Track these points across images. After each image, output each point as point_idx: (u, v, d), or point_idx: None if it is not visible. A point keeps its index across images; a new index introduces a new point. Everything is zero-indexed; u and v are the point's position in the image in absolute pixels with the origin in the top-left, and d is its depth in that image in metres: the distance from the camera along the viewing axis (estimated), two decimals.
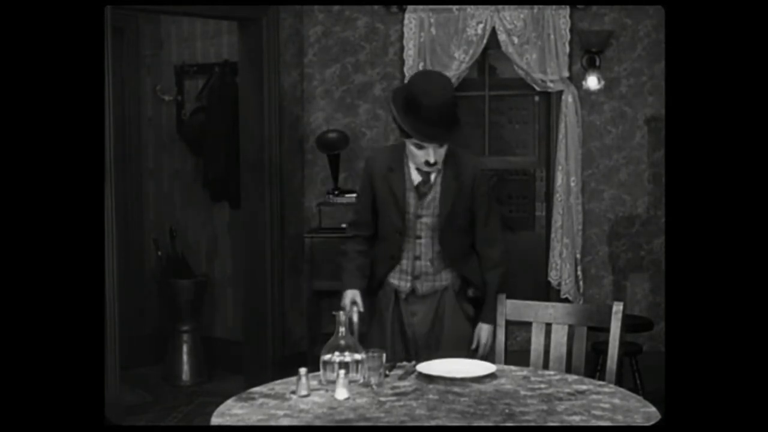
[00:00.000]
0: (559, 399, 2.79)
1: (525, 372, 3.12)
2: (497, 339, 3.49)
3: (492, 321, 3.53)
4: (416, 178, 3.48)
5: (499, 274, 3.57)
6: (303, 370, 2.86)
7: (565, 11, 5.73)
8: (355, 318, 3.27)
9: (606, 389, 2.92)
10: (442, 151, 3.37)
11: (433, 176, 3.47)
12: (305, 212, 6.16)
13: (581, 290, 5.82)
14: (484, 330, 3.57)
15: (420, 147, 3.34)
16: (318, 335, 5.66)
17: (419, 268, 3.54)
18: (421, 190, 3.48)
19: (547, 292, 5.90)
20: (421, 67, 5.78)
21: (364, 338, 3.30)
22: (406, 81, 5.77)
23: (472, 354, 3.52)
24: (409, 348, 3.55)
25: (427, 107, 3.25)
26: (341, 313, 3.03)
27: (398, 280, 3.57)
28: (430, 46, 5.79)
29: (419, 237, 3.51)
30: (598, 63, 5.76)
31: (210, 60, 6.45)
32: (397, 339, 3.54)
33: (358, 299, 3.47)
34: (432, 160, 3.35)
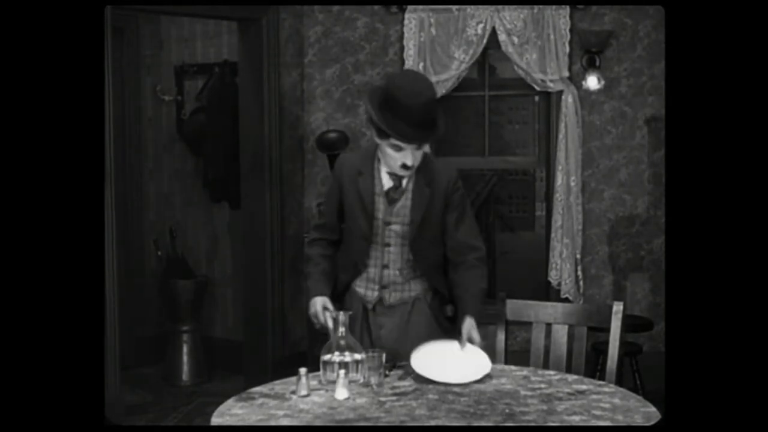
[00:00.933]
0: (559, 399, 2.79)
1: (525, 372, 3.12)
2: (497, 339, 3.48)
3: (475, 313, 3.22)
4: (387, 183, 3.33)
5: (480, 275, 3.31)
6: (303, 370, 2.86)
7: (565, 11, 5.74)
8: (330, 324, 3.14)
9: (606, 389, 2.92)
10: (419, 154, 3.21)
11: (404, 182, 3.31)
12: (305, 212, 6.16)
13: (581, 290, 5.82)
14: (467, 323, 3.20)
15: (398, 149, 3.17)
16: (318, 335, 5.64)
17: (387, 277, 3.37)
18: (392, 196, 3.32)
19: (547, 292, 5.91)
20: (421, 68, 5.78)
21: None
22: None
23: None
24: None
25: (407, 107, 3.10)
26: (341, 313, 3.03)
27: (365, 289, 3.40)
28: (430, 46, 5.79)
29: (388, 245, 3.35)
30: (598, 63, 5.76)
31: (210, 60, 6.45)
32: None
33: (329, 305, 3.27)
34: (409, 163, 3.18)
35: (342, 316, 3.01)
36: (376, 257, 3.37)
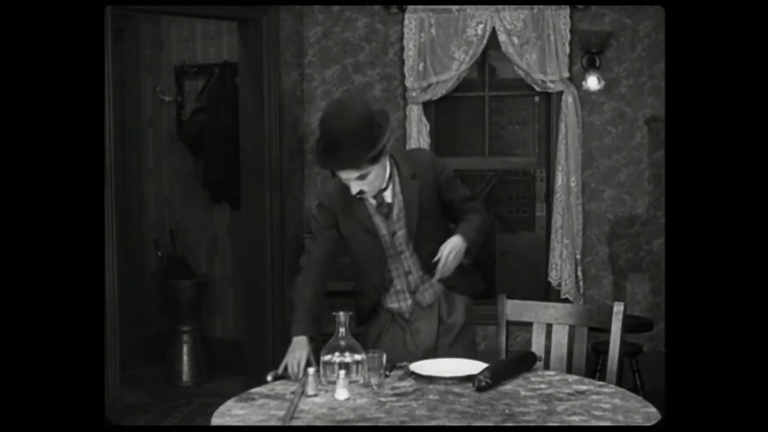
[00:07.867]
0: (560, 399, 2.78)
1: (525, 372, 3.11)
2: (498, 339, 3.47)
3: (465, 235, 3.20)
4: (373, 201, 3.26)
5: (481, 219, 3.30)
6: (311, 370, 2.87)
7: (565, 11, 5.74)
8: (311, 380, 2.87)
9: (606, 389, 2.91)
10: (366, 182, 3.11)
11: (386, 195, 3.24)
12: (305, 212, 6.16)
13: (581, 290, 5.82)
14: (450, 242, 3.17)
15: (344, 178, 3.11)
16: (318, 335, 5.65)
17: (414, 281, 3.37)
18: (384, 210, 3.28)
19: (547, 293, 5.91)
20: (421, 68, 5.79)
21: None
22: (405, 82, 5.82)
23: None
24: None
25: (327, 134, 3.04)
26: (341, 313, 3.02)
27: (398, 303, 3.40)
28: (430, 47, 5.80)
29: (401, 252, 3.33)
30: (598, 63, 5.76)
31: (210, 60, 6.45)
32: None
33: (305, 358, 3.10)
34: (354, 191, 3.12)
35: (342, 316, 3.01)
36: (396, 268, 3.37)
